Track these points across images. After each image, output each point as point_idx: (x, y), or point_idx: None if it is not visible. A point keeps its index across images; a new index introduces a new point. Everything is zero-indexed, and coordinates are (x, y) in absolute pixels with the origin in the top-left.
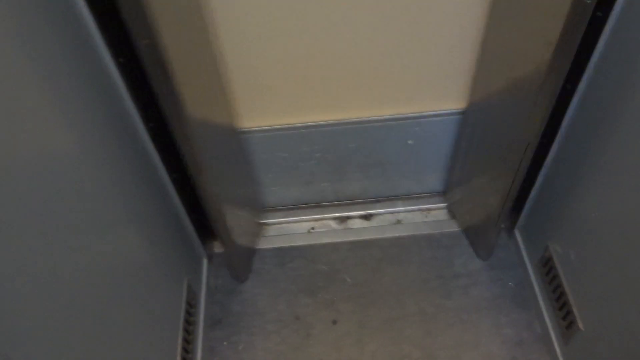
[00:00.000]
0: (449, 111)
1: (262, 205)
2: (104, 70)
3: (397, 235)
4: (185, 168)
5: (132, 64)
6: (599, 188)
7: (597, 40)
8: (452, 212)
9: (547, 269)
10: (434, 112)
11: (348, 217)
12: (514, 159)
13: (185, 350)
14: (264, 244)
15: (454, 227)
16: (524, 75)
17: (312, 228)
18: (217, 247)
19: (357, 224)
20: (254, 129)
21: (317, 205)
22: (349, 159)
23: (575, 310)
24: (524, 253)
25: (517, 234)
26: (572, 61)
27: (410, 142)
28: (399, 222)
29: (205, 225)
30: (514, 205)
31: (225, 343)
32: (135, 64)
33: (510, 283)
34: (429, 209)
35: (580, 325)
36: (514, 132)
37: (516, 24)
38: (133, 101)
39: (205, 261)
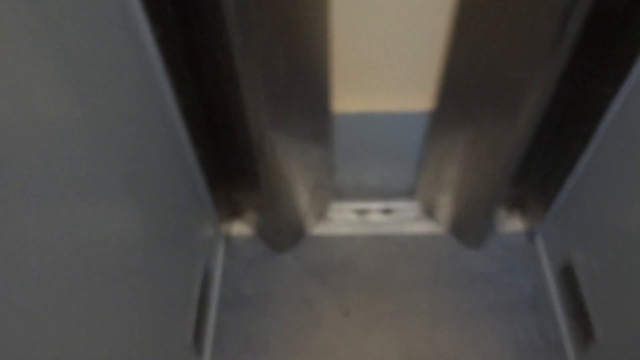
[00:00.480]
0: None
1: (330, 187)
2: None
3: (416, 231)
4: (214, 142)
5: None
6: (633, 199)
7: None
8: (429, 212)
9: (567, 276)
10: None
11: (367, 210)
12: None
13: (198, 329)
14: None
15: None
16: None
17: (331, 217)
18: (236, 229)
19: (376, 217)
20: None
21: (337, 195)
22: (371, 150)
23: (593, 320)
24: (544, 259)
25: (539, 239)
26: (614, 63)
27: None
28: (418, 218)
29: (224, 207)
30: (536, 210)
31: (236, 324)
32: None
33: (527, 288)
34: None
35: (598, 336)
36: (500, 125)
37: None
38: (162, 61)
39: (222, 242)
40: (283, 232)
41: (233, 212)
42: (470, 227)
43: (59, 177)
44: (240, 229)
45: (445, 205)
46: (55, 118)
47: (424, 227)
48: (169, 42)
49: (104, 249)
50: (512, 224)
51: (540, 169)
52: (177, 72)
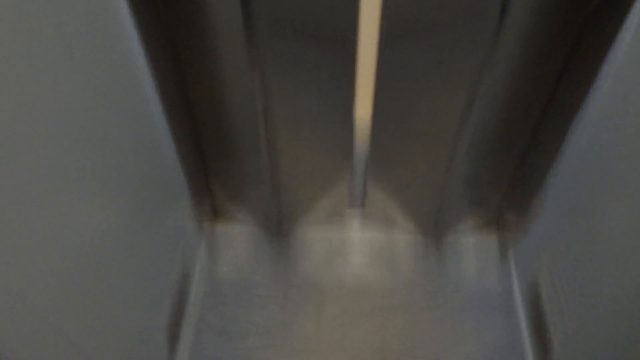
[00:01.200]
0: None
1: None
2: None
3: (393, 234)
4: (201, 138)
5: None
6: (595, 222)
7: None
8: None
9: (533, 293)
10: None
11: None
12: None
13: (173, 317)
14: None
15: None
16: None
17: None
18: (217, 223)
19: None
20: None
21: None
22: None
23: (552, 337)
24: (514, 274)
25: (511, 254)
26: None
27: None
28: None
29: (206, 200)
30: (511, 225)
31: (212, 312)
32: None
33: (497, 300)
34: None
35: (555, 354)
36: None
37: None
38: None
39: (203, 235)
40: (285, 216)
41: (215, 205)
42: (429, 217)
43: (38, 167)
44: (221, 223)
45: (400, 204)
46: (33, 109)
47: (401, 231)
48: (152, 35)
49: (82, 239)
50: (488, 237)
51: (518, 184)
52: (160, 64)
